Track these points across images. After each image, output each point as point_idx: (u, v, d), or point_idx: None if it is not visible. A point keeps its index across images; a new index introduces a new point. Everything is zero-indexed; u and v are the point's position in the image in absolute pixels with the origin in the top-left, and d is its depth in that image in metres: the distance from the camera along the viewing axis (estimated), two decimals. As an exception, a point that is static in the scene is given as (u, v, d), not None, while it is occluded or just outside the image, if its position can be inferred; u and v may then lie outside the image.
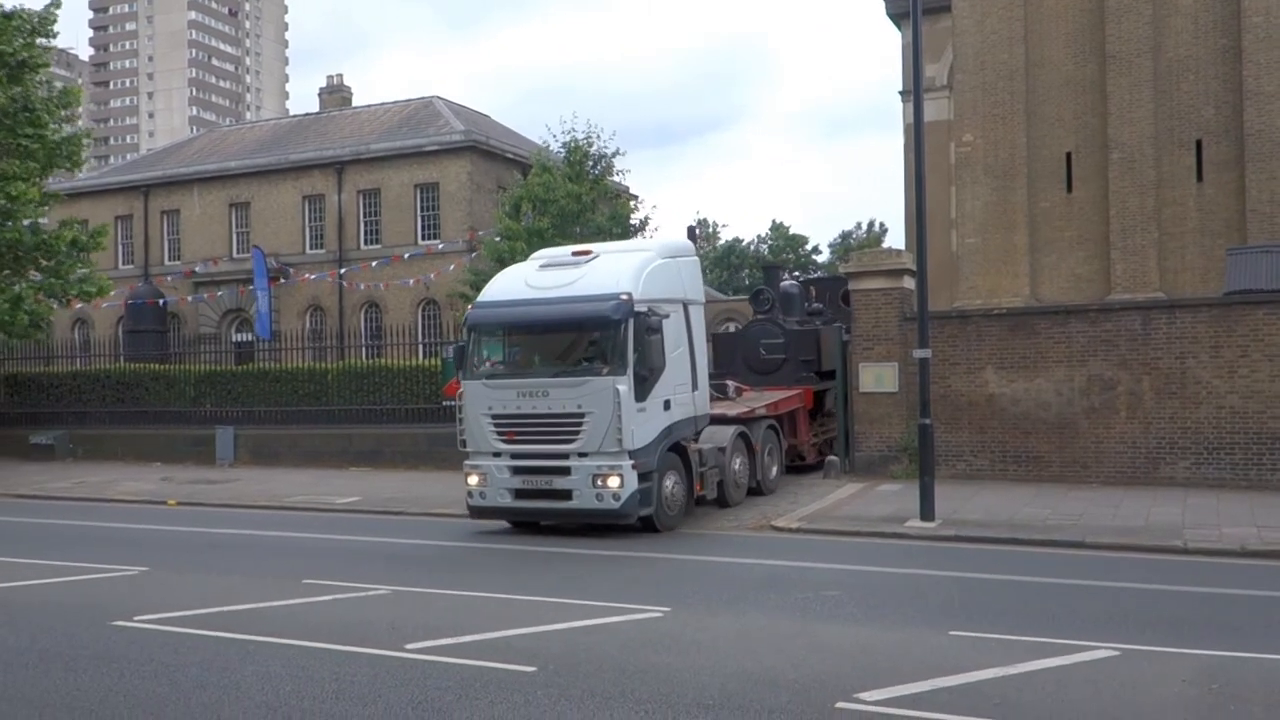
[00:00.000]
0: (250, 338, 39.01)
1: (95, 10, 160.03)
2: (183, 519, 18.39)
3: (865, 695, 7.19)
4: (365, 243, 39.26)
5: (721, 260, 75.49)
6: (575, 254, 16.29)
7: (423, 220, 38.21)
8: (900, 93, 34.04)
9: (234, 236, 41.91)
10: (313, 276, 39.08)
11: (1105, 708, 7.03)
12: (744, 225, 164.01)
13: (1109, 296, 23.41)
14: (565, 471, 14.67)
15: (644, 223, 37.90)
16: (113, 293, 31.42)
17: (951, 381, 19.54)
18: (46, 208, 27.90)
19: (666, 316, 15.38)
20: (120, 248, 43.11)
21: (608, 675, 7.77)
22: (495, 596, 10.93)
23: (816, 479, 20.05)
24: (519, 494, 15.06)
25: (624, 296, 14.66)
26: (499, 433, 15.07)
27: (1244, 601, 10.67)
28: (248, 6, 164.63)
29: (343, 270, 38.51)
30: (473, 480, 15.36)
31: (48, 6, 27.02)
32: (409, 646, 8.60)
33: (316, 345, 33.49)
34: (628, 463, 14.41)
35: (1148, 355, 18.41)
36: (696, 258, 17.88)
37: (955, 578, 11.85)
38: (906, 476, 18.95)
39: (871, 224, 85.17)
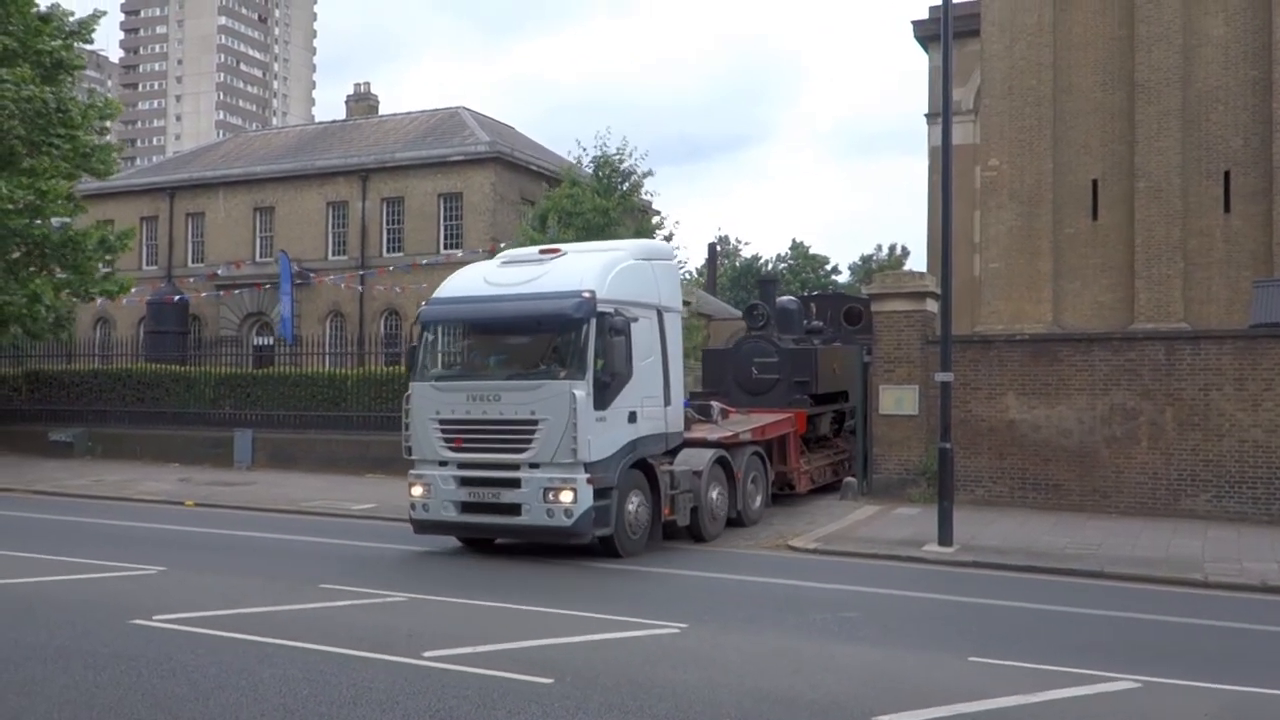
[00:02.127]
0: (270, 341, 39.21)
1: (127, 13, 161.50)
2: (200, 520, 18.44)
3: (884, 719, 7.14)
4: (388, 250, 39.39)
5: (739, 279, 75.54)
6: (542, 252, 15.38)
7: (446, 230, 38.31)
8: (926, 115, 34.02)
9: (258, 240, 42.11)
10: (331, 278, 39.22)
11: (1127, 739, 6.97)
12: (765, 243, 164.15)
13: (1132, 325, 23.31)
14: (515, 484, 13.57)
15: (668, 240, 37.97)
16: (134, 290, 31.68)
17: (972, 406, 19.47)
18: (74, 206, 28.11)
19: (635, 320, 14.28)
20: (144, 249, 43.38)
21: (625, 690, 7.74)
22: (512, 607, 10.91)
23: (833, 500, 19.98)
24: (465, 507, 13.95)
25: (586, 294, 13.59)
26: (446, 439, 14.00)
27: (1266, 637, 10.57)
28: (277, 13, 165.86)
29: (362, 273, 38.65)
30: (416, 491, 14.25)
31: (90, 16, 27.39)
32: (426, 654, 8.60)
33: (336, 351, 33.60)
34: (582, 476, 13.29)
35: (1171, 386, 18.31)
36: (674, 261, 16.65)
37: (973, 604, 11.78)
38: (924, 500, 18.87)
39: (893, 247, 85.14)
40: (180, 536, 16.46)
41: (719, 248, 71.75)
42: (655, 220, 37.70)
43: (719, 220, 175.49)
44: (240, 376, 29.36)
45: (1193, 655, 9.62)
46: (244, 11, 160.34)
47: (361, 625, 9.95)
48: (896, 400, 20.11)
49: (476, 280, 14.93)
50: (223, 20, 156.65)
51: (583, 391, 13.34)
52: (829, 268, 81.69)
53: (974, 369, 19.56)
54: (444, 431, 14.01)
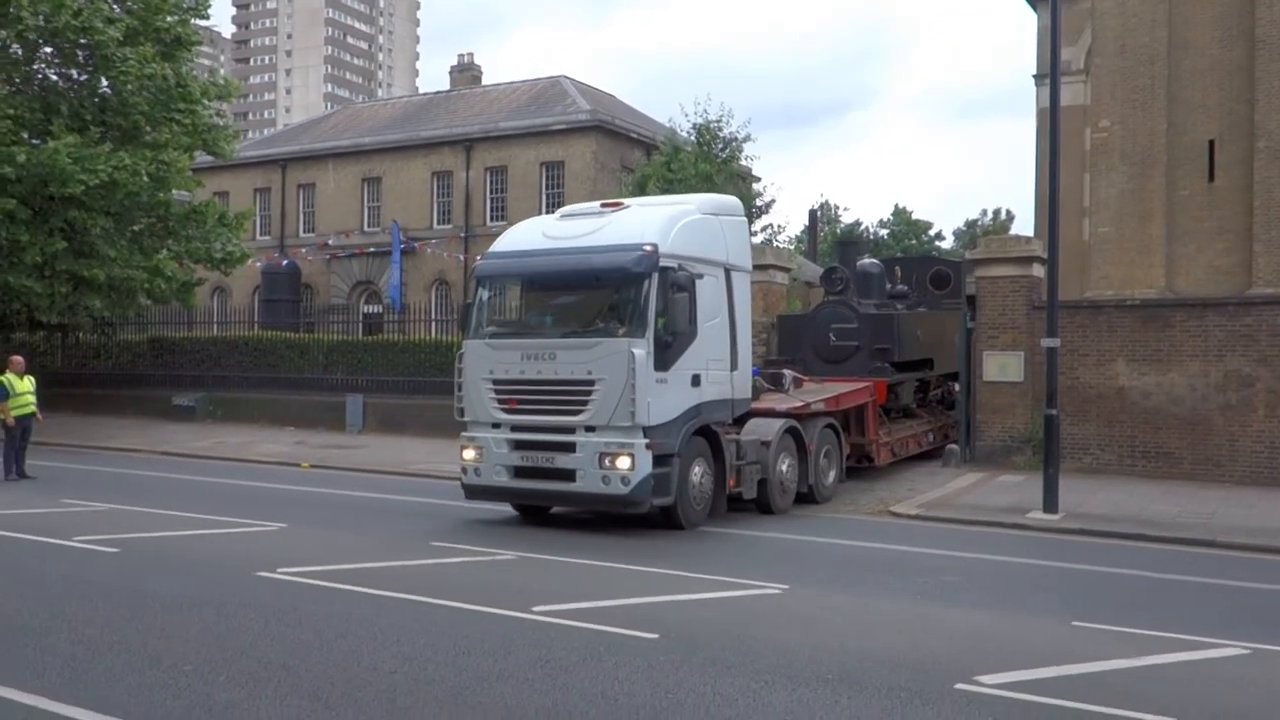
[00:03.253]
0: (379, 309, 40.19)
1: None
2: (316, 481, 19.15)
3: (984, 678, 7.21)
4: (491, 219, 39.99)
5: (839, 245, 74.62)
6: (604, 205, 14.62)
7: (548, 198, 38.73)
8: (1035, 77, 33.20)
9: (365, 210, 43.10)
10: (434, 246, 39.89)
11: (1236, 704, 6.94)
12: (866, 209, 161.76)
13: (1250, 290, 22.60)
14: (569, 448, 12.90)
15: (769, 205, 37.87)
16: (253, 260, 32.82)
17: (1080, 373, 19.15)
18: (193, 181, 29.17)
19: (700, 277, 13.54)
20: (258, 219, 44.73)
21: (727, 645, 7.94)
22: (617, 566, 11.18)
23: (935, 467, 19.87)
24: (517, 472, 13.34)
25: (648, 248, 12.86)
26: (499, 400, 13.40)
27: (1384, 607, 10.32)
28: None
29: (465, 238, 39.30)
30: (468, 454, 13.68)
31: (203, -10, 28.32)
32: (535, 609, 8.90)
33: (441, 319, 34.31)
34: (641, 441, 12.57)
35: (1290, 352, 17.75)
36: (744, 219, 15.83)
37: (1078, 570, 11.70)
38: (1029, 468, 18.66)
39: (998, 211, 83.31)
40: (298, 496, 17.13)
41: (820, 214, 71.06)
42: (756, 187, 37.61)
43: (821, 187, 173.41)
44: (351, 343, 30.21)
45: (1306, 624, 9.46)
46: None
47: (472, 580, 10.32)
48: (1001, 367, 19.86)
49: (534, 234, 14.34)
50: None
51: (642, 351, 12.63)
52: (933, 233, 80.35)
53: (1082, 335, 19.21)
54: (497, 392, 13.44)
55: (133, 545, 11.98)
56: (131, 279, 26.30)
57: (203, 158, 31.43)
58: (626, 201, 14.80)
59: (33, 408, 18.81)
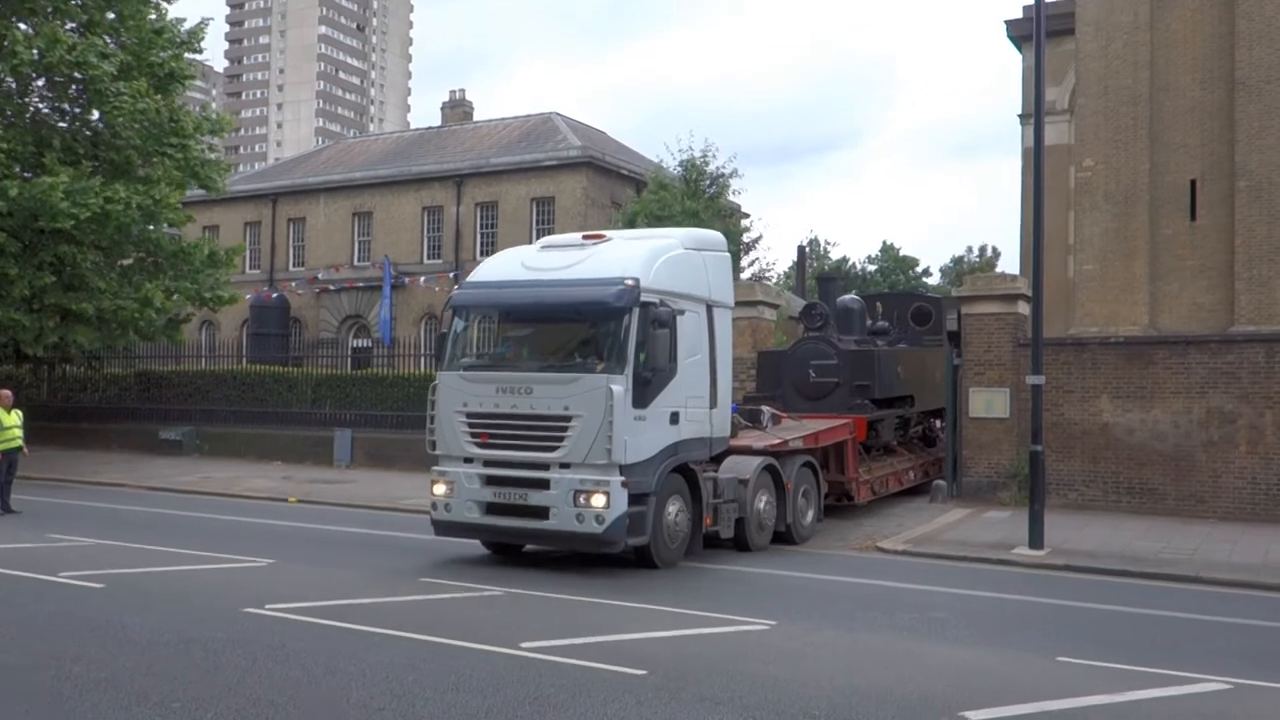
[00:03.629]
0: (368, 343, 40.23)
1: (231, 24, 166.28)
2: (303, 516, 19.12)
3: (971, 714, 7.27)
4: (481, 253, 40.10)
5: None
6: (586, 237, 14.32)
7: (538, 233, 38.87)
8: (1020, 116, 33.58)
9: (356, 245, 43.21)
10: (425, 281, 39.99)
11: (1215, 740, 7.01)
12: (855, 245, 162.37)
13: (1232, 328, 22.82)
14: (544, 485, 12.60)
15: (756, 241, 38.13)
16: (248, 297, 32.85)
17: (1065, 409, 19.30)
18: (185, 216, 29.20)
19: (682, 313, 13.36)
20: (248, 253, 44.77)
21: (717, 682, 7.97)
22: (605, 602, 11.20)
23: (922, 503, 19.95)
24: (489, 508, 13.01)
25: (629, 282, 12.61)
26: (472, 434, 13.07)
27: (1366, 644, 10.40)
28: (375, 22, 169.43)
29: (455, 275, 39.43)
30: (438, 489, 13.34)
31: (198, 25, 28.51)
32: (524, 645, 8.92)
33: (430, 353, 34.32)
34: (617, 479, 12.29)
35: (1271, 389, 17.96)
36: (726, 253, 15.56)
37: (1064, 606, 11.77)
38: (1015, 504, 18.76)
39: (984, 248, 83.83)
40: (285, 531, 17.11)
41: (808, 250, 71.48)
42: (744, 223, 37.87)
43: (810, 223, 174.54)
44: (339, 377, 30.23)
45: (1288, 661, 9.53)
46: (343, 21, 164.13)
47: (460, 616, 10.34)
48: (987, 403, 20.02)
49: (514, 264, 14.01)
50: (323, 30, 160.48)
51: (621, 387, 12.37)
52: (919, 269, 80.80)
53: (1067, 372, 19.38)
54: (470, 425, 13.10)
55: (119, 581, 11.96)
56: (123, 309, 26.26)
57: (194, 191, 31.51)
58: (609, 234, 14.56)
59: (19, 442, 18.77)
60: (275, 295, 40.61)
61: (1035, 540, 14.98)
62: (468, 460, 13.18)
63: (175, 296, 28.40)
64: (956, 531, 17.00)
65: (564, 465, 12.55)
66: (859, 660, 8.89)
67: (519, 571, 13.19)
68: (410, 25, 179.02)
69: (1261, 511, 17.81)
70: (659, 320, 12.74)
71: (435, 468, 13.54)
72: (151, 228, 26.17)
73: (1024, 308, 19.96)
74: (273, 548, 14.78)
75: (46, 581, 11.89)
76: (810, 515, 16.35)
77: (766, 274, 39.03)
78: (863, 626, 10.29)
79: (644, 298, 12.71)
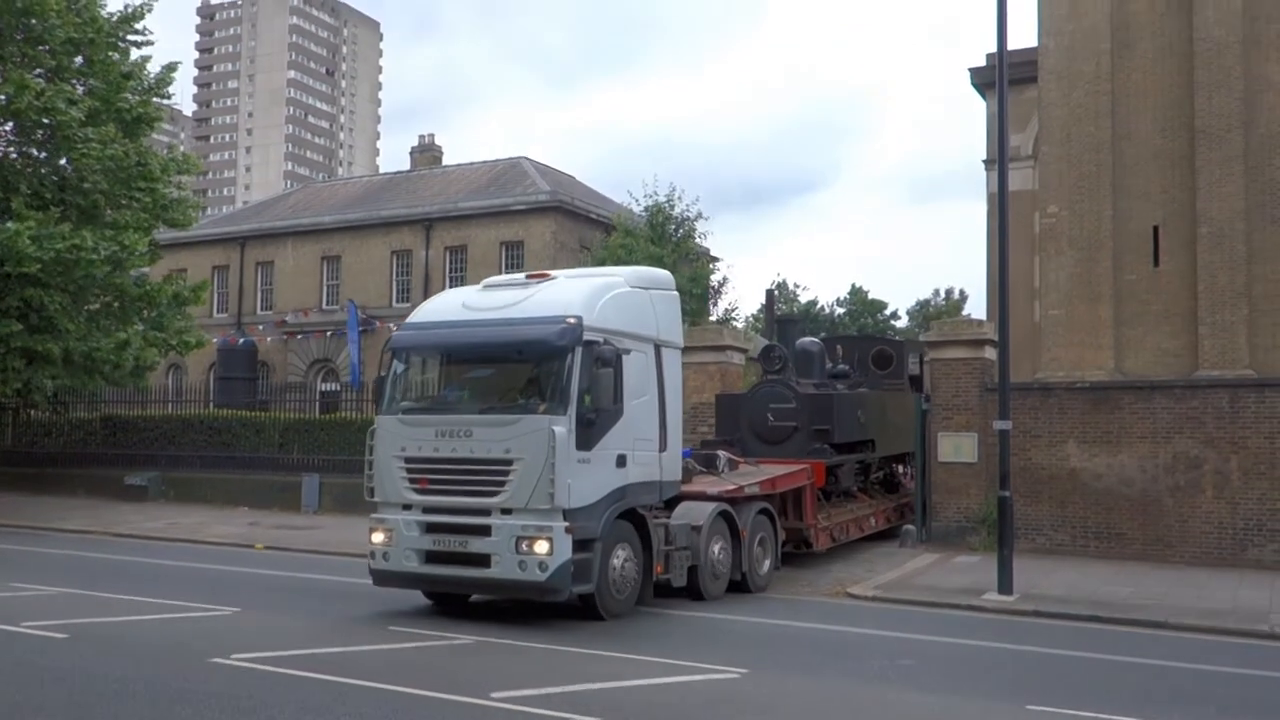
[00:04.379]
0: (336, 387, 40.02)
1: (200, 68, 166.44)
2: (270, 563, 18.90)
3: (942, 764, 7.26)
4: (451, 298, 40.10)
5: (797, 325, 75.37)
6: (529, 276, 14.09)
7: (507, 277, 38.93)
8: (985, 161, 34.11)
9: (324, 288, 43.12)
10: (394, 325, 39.93)
11: (1185, 788, 7.03)
12: (824, 288, 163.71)
13: (1197, 373, 23.11)
14: (484, 531, 12.18)
15: (723, 284, 38.33)
16: (214, 340, 32.66)
17: (1032, 454, 19.44)
18: (150, 258, 29.04)
19: (628, 352, 13.10)
20: (216, 297, 44.57)
21: (687, 732, 7.93)
22: (575, 650, 11.13)
23: (892, 548, 19.98)
24: (429, 557, 12.56)
25: (571, 320, 12.38)
26: (410, 480, 12.70)
27: (1332, 689, 10.48)
28: (344, 67, 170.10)
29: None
30: (376, 538, 12.88)
31: (165, 69, 28.55)
32: (494, 695, 8.85)
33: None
34: (560, 525, 11.94)
35: (1235, 434, 18.18)
36: (676, 293, 15.25)
37: (1033, 653, 11.80)
38: (984, 548, 18.82)
39: (950, 291, 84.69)
40: (252, 578, 16.91)
41: (777, 294, 71.95)
42: (711, 267, 38.10)
43: (779, 266, 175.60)
44: (307, 422, 30.00)
45: (1258, 707, 9.59)
46: (312, 66, 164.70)
47: (430, 666, 10.25)
48: (955, 448, 20.14)
49: (454, 304, 13.84)
50: (292, 74, 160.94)
51: (563, 429, 12.03)
52: (888, 313, 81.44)
53: (1034, 416, 19.55)
54: (409, 470, 12.73)
55: (84, 631, 11.77)
56: (97, 351, 25.96)
57: (162, 233, 31.35)
58: (553, 273, 14.19)
59: (-18, 488, 18.50)
60: (242, 339, 40.38)
61: (1004, 586, 15.02)
62: (406, 507, 12.77)
63: (146, 347, 28.20)
64: (926, 577, 17.03)
65: (505, 511, 12.18)
66: (828, 709, 8.87)
67: (486, 619, 13.08)
68: (379, 70, 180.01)
69: (1228, 556, 17.96)
70: (603, 359, 12.48)
71: (373, 515, 13.11)
72: (118, 276, 25.93)
73: (990, 352, 20.15)
74: (239, 596, 14.59)
75: (8, 632, 11.68)
76: (767, 564, 15.91)
77: (732, 317, 39.15)
78: (832, 674, 10.27)
79: (587, 336, 12.43)
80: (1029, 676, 10.57)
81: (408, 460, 12.77)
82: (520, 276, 14.23)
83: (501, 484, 12.17)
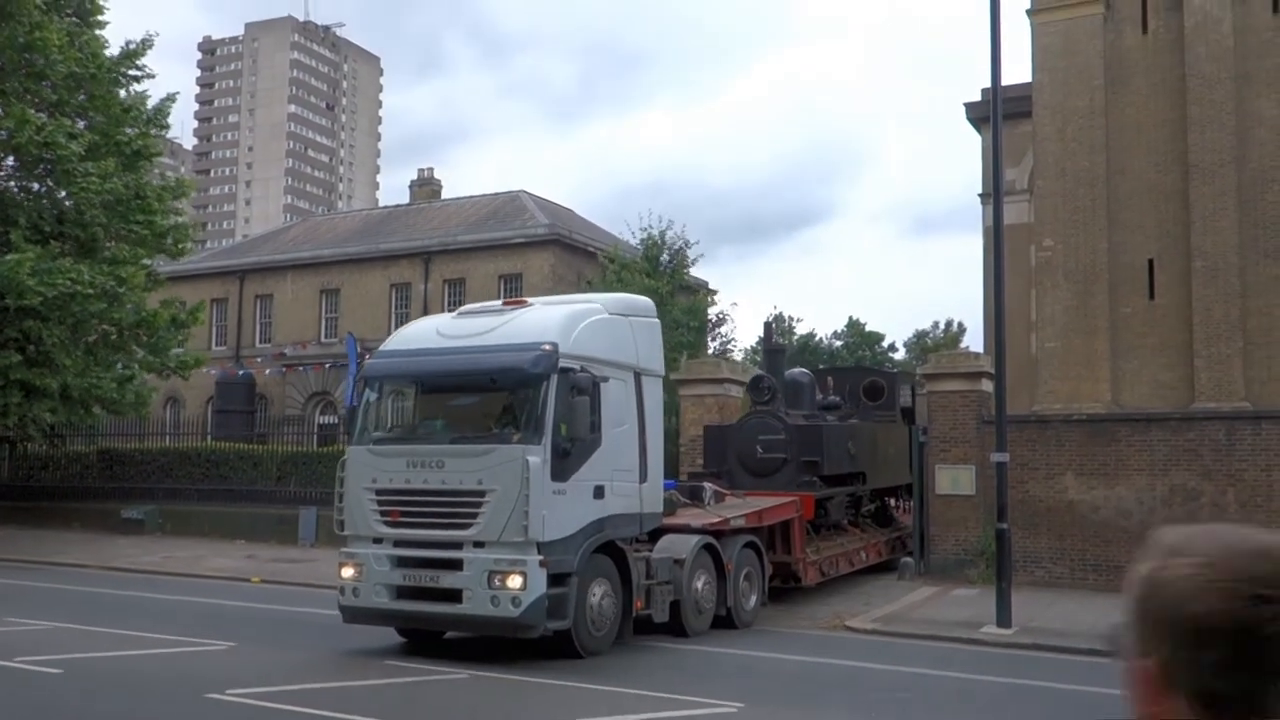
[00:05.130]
0: (334, 420, 39.98)
1: (201, 103, 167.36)
2: (266, 597, 18.84)
3: (939, 799, 7.24)
4: (449, 331, 40.17)
5: (795, 358, 75.52)
6: (506, 303, 13.95)
7: (506, 310, 38.99)
8: (980, 195, 34.27)
9: (323, 321, 43.20)
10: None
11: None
12: (821, 321, 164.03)
13: (1193, 405, 23.16)
14: (456, 565, 11.81)
15: (720, 317, 38.41)
16: (206, 369, 32.76)
17: (1030, 486, 19.43)
18: (148, 291, 29.20)
19: (605, 380, 12.73)
20: (214, 330, 44.65)
21: (683, 767, 7.90)
22: (569, 685, 11.07)
23: (890, 580, 19.92)
24: (400, 592, 12.18)
25: (547, 347, 12.01)
26: (382, 512, 12.30)
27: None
28: (344, 101, 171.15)
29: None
30: (346, 572, 12.47)
31: (163, 101, 28.78)
32: (490, 730, 8.83)
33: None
34: (534, 558, 11.50)
35: (1232, 466, 18.19)
36: (657, 321, 14.86)
37: (1032, 686, 11.76)
38: (983, 581, 18.76)
39: (949, 323, 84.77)
40: (248, 613, 16.85)
41: (775, 326, 72.09)
42: (708, 299, 38.18)
43: (778, 299, 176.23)
44: (305, 454, 29.98)
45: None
46: (312, 100, 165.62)
47: (426, 701, 10.22)
48: (953, 480, 20.12)
49: (428, 332, 13.52)
50: (292, 108, 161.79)
51: (538, 458, 11.62)
52: (885, 345, 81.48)
53: (1031, 449, 19.55)
54: (380, 503, 12.34)
55: (78, 666, 11.72)
56: (98, 387, 26.05)
57: (161, 265, 31.51)
58: (531, 300, 13.96)
59: (-22, 522, 18.48)
60: (241, 372, 40.39)
61: (1003, 619, 14.97)
62: (377, 540, 12.38)
63: (140, 374, 28.31)
64: (925, 610, 16.98)
65: (478, 544, 11.78)
66: (828, 743, 8.84)
67: (482, 653, 13.02)
68: (379, 104, 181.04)
69: (1225, 588, 17.89)
70: (579, 387, 12.07)
71: (343, 549, 12.77)
72: (115, 311, 26.06)
73: (987, 385, 20.17)
74: (236, 630, 14.53)
75: (2, 667, 11.62)
76: (754, 598, 15.50)
77: (729, 349, 39.21)
78: (830, 708, 10.24)
79: (563, 363, 12.07)
80: (1028, 711, 10.54)
81: (378, 492, 12.40)
82: (496, 303, 14.03)
83: (474, 516, 11.77)
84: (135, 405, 28.64)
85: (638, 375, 13.75)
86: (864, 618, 16.17)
